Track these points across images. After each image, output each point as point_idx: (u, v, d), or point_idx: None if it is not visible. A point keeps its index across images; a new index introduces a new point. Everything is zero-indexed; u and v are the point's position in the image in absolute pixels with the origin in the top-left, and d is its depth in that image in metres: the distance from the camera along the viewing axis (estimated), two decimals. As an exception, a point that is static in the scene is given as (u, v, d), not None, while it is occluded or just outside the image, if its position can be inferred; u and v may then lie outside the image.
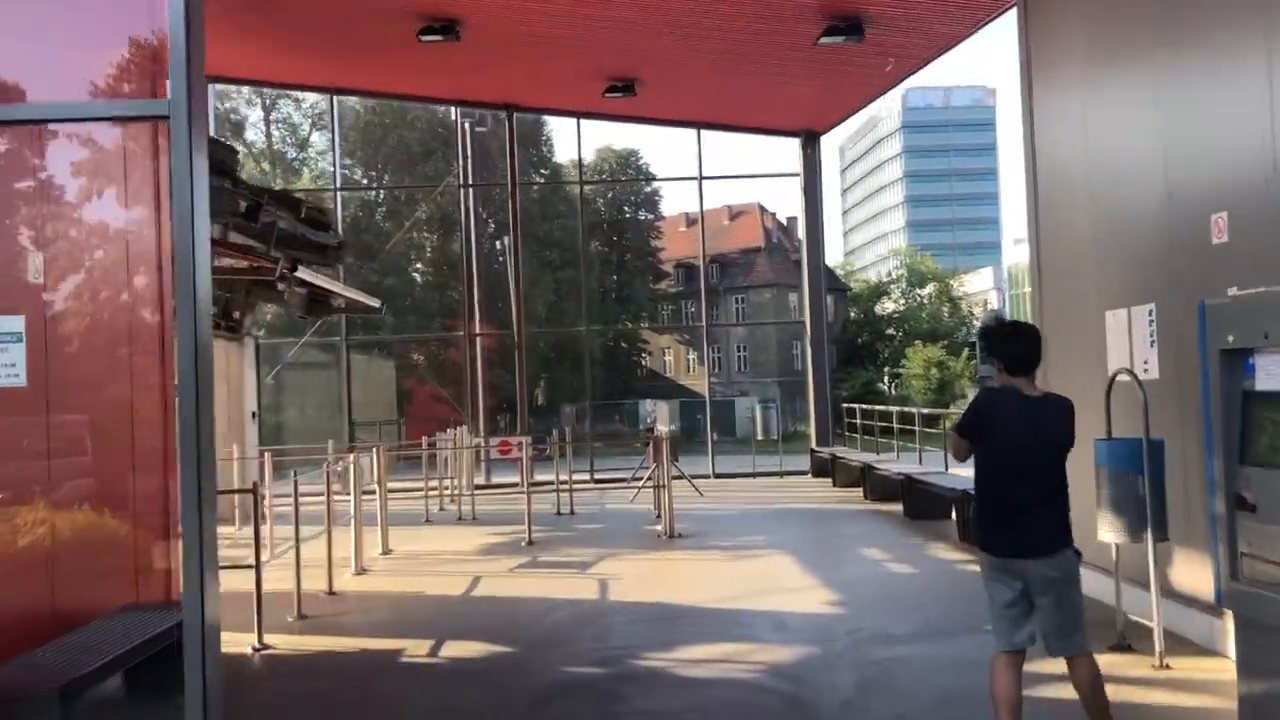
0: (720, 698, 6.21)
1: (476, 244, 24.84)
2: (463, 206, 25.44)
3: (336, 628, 8.23)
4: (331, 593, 9.41)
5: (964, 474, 13.68)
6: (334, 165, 26.66)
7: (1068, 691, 4.72)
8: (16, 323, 4.25)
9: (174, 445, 3.80)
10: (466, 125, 22.35)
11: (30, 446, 5.68)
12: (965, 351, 51.21)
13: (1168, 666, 6.18)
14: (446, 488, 16.51)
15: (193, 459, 3.76)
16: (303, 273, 13.52)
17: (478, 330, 22.91)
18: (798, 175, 21.23)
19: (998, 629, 4.62)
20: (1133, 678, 6.01)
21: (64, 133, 5.70)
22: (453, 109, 22.96)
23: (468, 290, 23.51)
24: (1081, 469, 5.76)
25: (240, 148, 37.88)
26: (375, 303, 17.36)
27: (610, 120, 21.58)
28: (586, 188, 47.61)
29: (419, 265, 41.25)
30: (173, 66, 3.89)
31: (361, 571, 10.58)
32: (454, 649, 7.54)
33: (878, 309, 55.03)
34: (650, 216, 50.60)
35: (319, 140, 39.26)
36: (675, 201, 60.34)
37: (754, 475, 21.01)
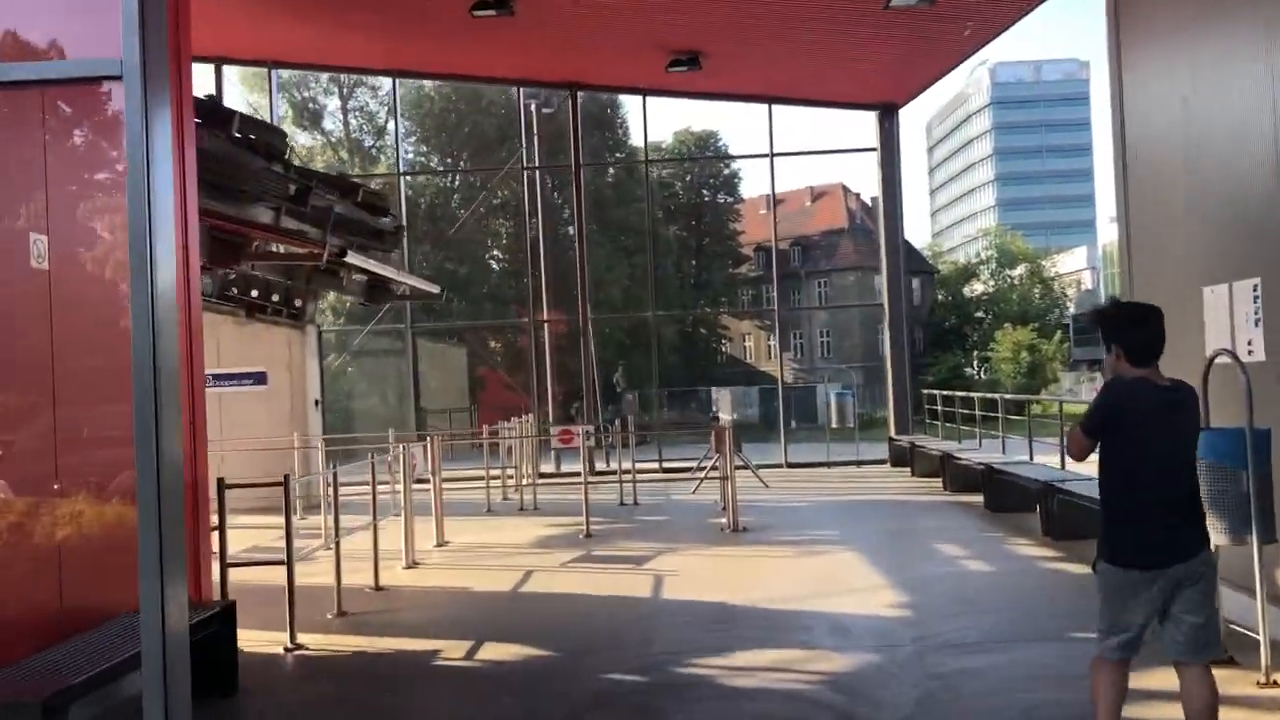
0: (763, 713, 5.68)
1: (545, 229, 24.52)
2: (528, 190, 25.13)
3: (375, 626, 7.91)
4: (378, 588, 9.14)
5: (1049, 463, 12.87)
6: (395, 149, 26.53)
7: (1154, 711, 4.21)
8: None
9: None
10: (531, 106, 21.96)
11: (37, 446, 5.45)
12: (1058, 334, 49.45)
13: (1275, 683, 5.51)
14: (510, 477, 16.23)
15: (150, 448, 3.34)
16: (359, 259, 13.31)
17: (545, 317, 22.56)
18: (875, 150, 20.42)
19: (1120, 645, 4.10)
20: (1235, 696, 5.28)
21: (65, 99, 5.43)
22: (516, 90, 22.59)
23: (533, 276, 23.24)
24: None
25: (319, 137, 38.40)
26: (434, 289, 17.16)
27: (676, 97, 21.06)
28: (665, 171, 47.25)
29: (495, 252, 41.14)
30: (125, 19, 3.51)
31: (413, 565, 10.31)
32: (492, 651, 7.16)
33: (966, 291, 53.48)
34: (730, 199, 49.65)
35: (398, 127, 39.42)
36: (755, 184, 59.23)
37: (829, 465, 20.37)
